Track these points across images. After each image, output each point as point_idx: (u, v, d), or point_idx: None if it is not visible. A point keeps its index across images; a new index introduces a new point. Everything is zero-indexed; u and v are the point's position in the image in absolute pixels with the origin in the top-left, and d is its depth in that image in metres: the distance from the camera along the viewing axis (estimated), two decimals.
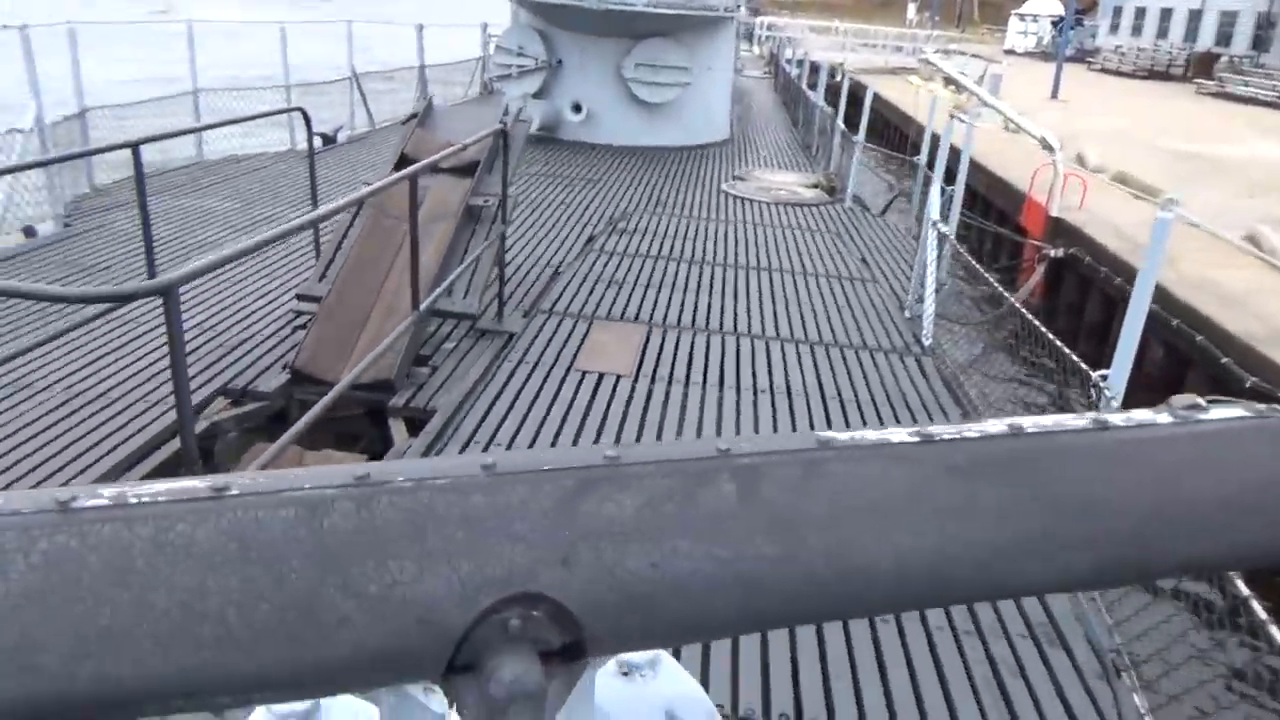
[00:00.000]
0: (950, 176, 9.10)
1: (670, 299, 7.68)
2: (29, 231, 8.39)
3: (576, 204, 10.88)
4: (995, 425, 0.52)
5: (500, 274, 6.86)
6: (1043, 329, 5.09)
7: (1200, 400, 0.55)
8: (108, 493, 0.39)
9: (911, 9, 74.46)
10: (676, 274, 8.36)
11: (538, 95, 14.95)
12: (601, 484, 0.44)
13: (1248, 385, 9.06)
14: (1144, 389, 10.91)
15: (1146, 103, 31.43)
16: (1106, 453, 0.51)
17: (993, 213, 16.73)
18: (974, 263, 6.85)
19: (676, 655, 0.68)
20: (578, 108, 15.02)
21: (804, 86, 20.82)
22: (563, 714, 0.46)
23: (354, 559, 0.39)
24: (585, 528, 0.43)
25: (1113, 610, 3.85)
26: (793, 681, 3.37)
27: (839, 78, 16.81)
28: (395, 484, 0.41)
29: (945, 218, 8.70)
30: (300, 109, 7.25)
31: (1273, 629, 2.81)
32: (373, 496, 0.41)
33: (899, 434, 0.50)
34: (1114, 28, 53.73)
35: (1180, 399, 0.56)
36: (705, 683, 3.33)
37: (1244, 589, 3.00)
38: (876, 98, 25.48)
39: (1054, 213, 13.96)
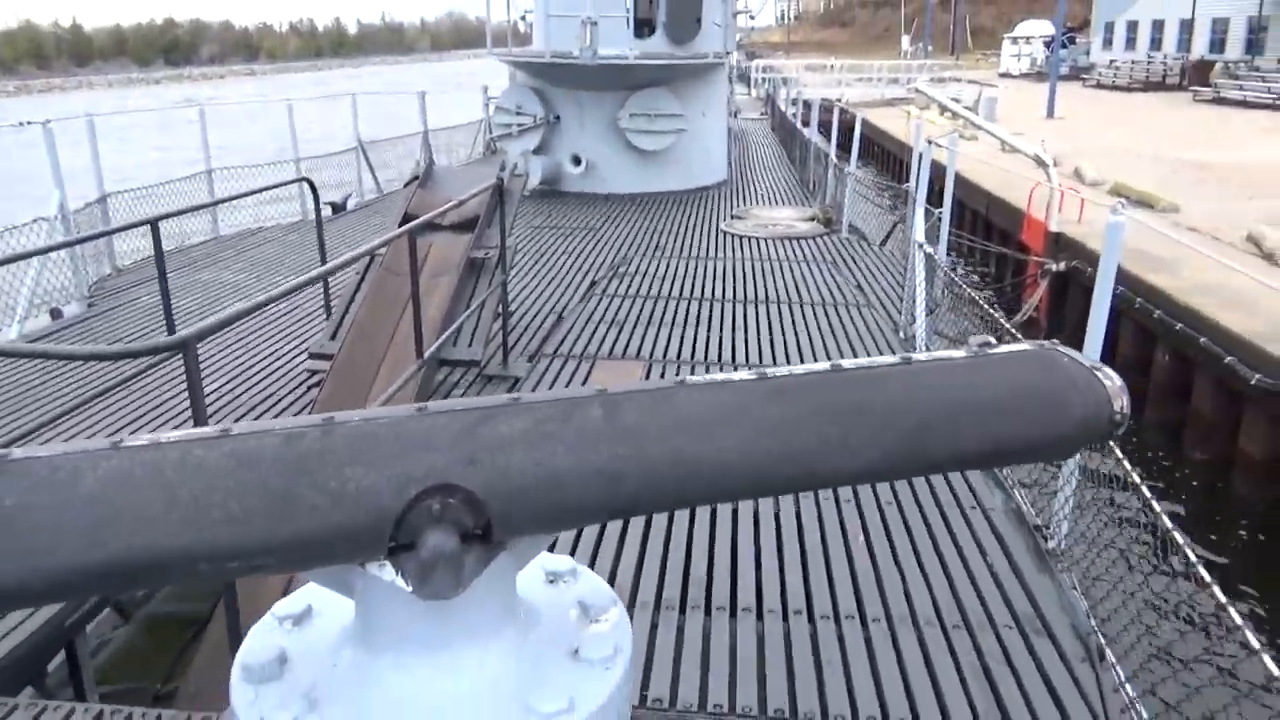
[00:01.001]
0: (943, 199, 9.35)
1: (670, 335, 7.92)
2: (55, 313, 8.78)
3: (579, 252, 11.19)
4: (821, 365, 0.65)
5: (504, 321, 7.13)
6: (1019, 336, 5.27)
7: (992, 339, 0.69)
8: (146, 438, 0.56)
9: (905, 40, 75.46)
10: (676, 311, 8.60)
11: (538, 151, 15.38)
12: (503, 413, 0.59)
13: (1253, 383, 9.15)
14: (1156, 397, 10.98)
15: (1143, 114, 31.65)
16: (904, 378, 0.63)
17: (995, 232, 16.94)
18: (956, 280, 7.05)
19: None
20: (577, 160, 15.43)
21: (798, 124, 21.22)
22: (485, 592, 0.62)
23: (319, 468, 0.55)
24: (488, 440, 0.58)
25: (1089, 594, 3.99)
26: (788, 676, 3.54)
27: (834, 113, 17.18)
28: (352, 423, 0.58)
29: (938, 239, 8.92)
30: (307, 179, 7.62)
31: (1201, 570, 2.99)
32: (333, 429, 0.57)
33: (743, 374, 0.64)
34: (1107, 43, 54.23)
35: (976, 339, 0.69)
36: (704, 683, 3.51)
37: (1191, 555, 3.16)
38: (876, 130, 25.92)
39: (1053, 228, 14.16)
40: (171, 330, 5.51)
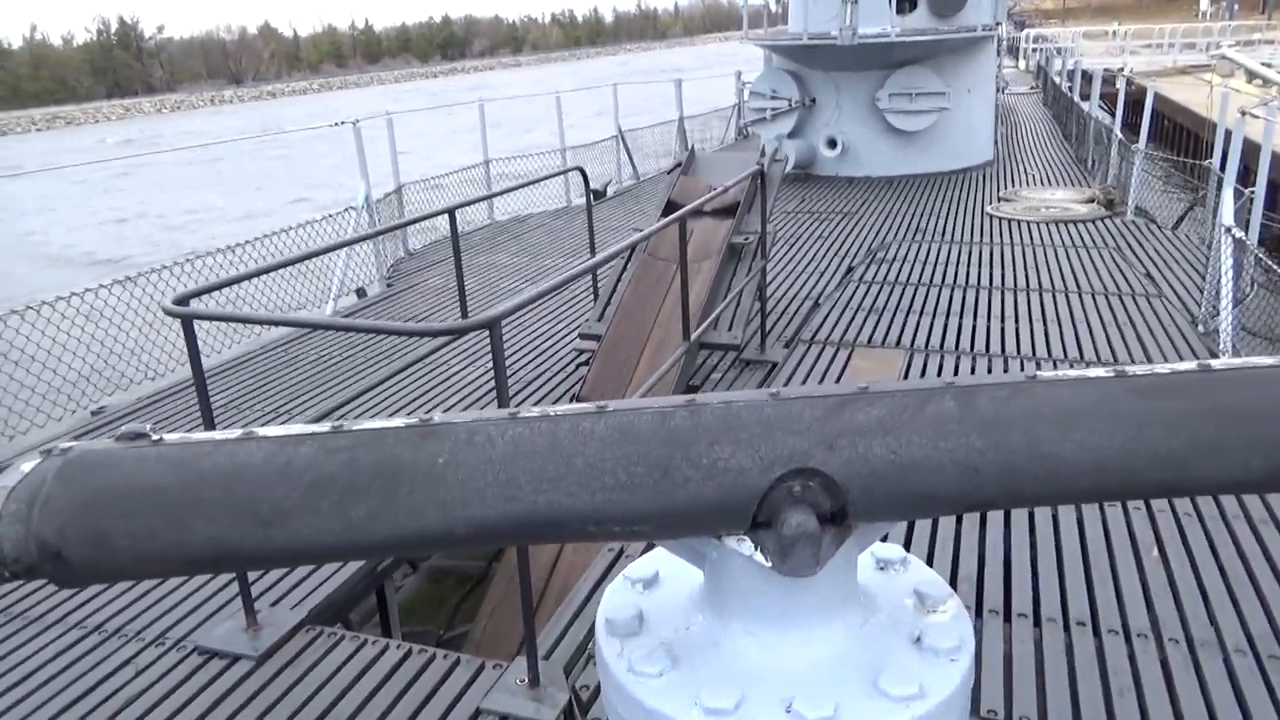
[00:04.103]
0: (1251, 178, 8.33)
1: (932, 324, 7.62)
2: (360, 293, 9.88)
3: (835, 237, 11.01)
4: (1186, 365, 0.60)
5: (762, 307, 7.16)
6: None
7: None
8: (535, 410, 0.62)
9: (1204, 0, 67.27)
10: (938, 299, 8.26)
11: (792, 135, 15.22)
12: (856, 402, 0.61)
13: None
14: None
15: None
16: None
17: None
18: (1276, 268, 6.25)
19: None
20: (833, 143, 15.13)
21: (1075, 97, 19.57)
22: (832, 572, 0.63)
23: (692, 443, 0.59)
24: (845, 427, 0.59)
25: None
26: (1070, 691, 3.34)
27: (1118, 84, 15.70)
28: (712, 405, 0.61)
29: (1247, 224, 7.96)
30: (580, 168, 8.05)
31: None
32: (699, 410, 0.61)
33: (1098, 370, 0.60)
34: None
35: None
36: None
37: None
38: (1167, 102, 23.44)
39: None
40: (464, 308, 6.03)
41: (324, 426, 0.60)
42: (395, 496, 0.57)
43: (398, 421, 0.60)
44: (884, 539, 0.75)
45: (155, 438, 0.58)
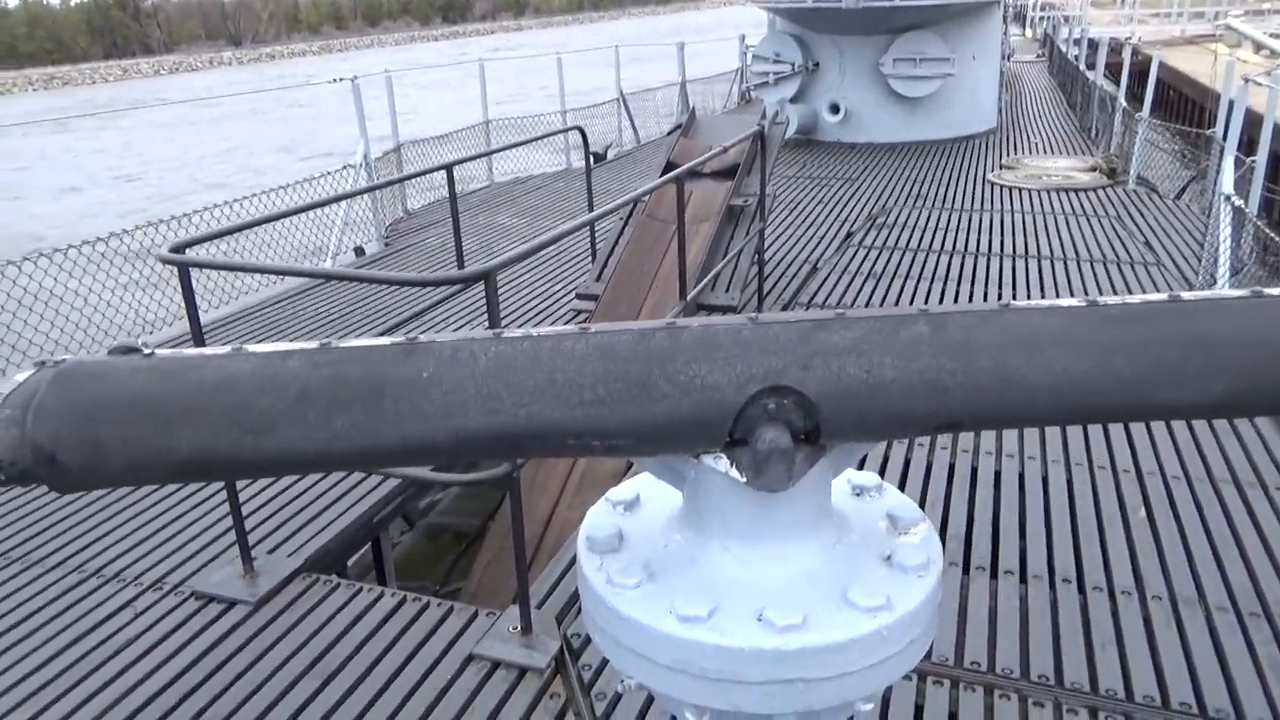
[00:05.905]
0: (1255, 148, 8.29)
1: (930, 289, 7.63)
2: (359, 251, 9.87)
3: (835, 202, 10.96)
4: (1158, 295, 0.62)
5: (760, 269, 7.17)
6: None
7: None
8: (519, 331, 0.64)
9: None
10: (937, 265, 8.26)
11: (795, 99, 15.10)
12: (832, 325, 0.63)
13: None
14: None
15: None
16: (1255, 311, 0.59)
17: None
18: (1275, 236, 6.24)
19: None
20: (835, 108, 15.00)
21: (1081, 66, 19.40)
22: (806, 491, 0.66)
23: (670, 361, 0.61)
24: (819, 348, 0.61)
25: None
26: (1053, 644, 3.39)
27: (1123, 54, 15.55)
28: (692, 327, 0.63)
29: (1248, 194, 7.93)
30: (579, 128, 8.01)
31: None
32: (679, 331, 0.63)
33: (1070, 300, 0.62)
34: None
35: None
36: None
37: None
38: (1172, 71, 23.25)
39: None
40: (461, 263, 6.03)
41: (312, 344, 0.61)
42: (379, 408, 0.59)
43: (384, 340, 0.62)
44: (860, 467, 0.77)
45: (148, 352, 0.60)
